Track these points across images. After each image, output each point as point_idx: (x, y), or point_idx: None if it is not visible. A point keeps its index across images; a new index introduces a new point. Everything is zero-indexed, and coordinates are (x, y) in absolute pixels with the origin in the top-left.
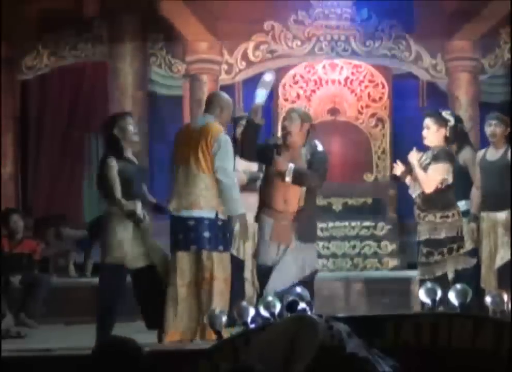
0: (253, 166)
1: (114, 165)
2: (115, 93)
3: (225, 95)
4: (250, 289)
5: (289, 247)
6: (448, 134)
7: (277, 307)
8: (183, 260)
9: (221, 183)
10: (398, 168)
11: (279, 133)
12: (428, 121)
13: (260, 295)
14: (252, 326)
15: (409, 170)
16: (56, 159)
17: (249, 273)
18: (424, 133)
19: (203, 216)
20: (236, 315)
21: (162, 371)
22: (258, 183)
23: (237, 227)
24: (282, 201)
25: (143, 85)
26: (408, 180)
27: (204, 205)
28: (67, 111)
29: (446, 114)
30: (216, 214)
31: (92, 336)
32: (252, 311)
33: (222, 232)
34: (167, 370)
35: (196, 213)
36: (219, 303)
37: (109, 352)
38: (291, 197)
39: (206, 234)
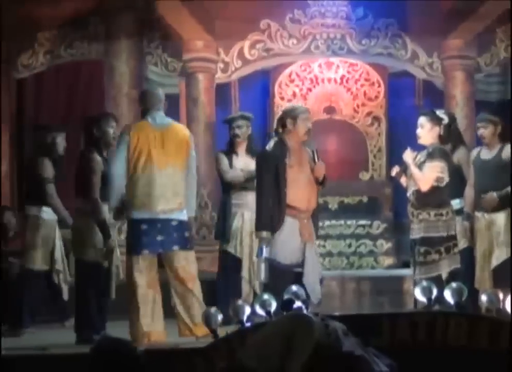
0: (250, 165)
1: (98, 160)
2: (111, 91)
3: (160, 90)
4: (246, 287)
5: (311, 246)
6: (442, 133)
7: (273, 305)
8: (153, 261)
9: (194, 181)
10: (395, 170)
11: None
12: (422, 120)
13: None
14: (248, 324)
15: (404, 169)
16: None
17: (246, 271)
18: (419, 131)
19: (184, 218)
20: (232, 313)
21: (157, 370)
22: None
23: (235, 225)
24: (306, 201)
25: (139, 83)
26: (403, 180)
27: (184, 206)
28: (63, 109)
29: (440, 113)
30: None
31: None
32: (248, 310)
33: (192, 230)
34: (162, 370)
35: (181, 215)
36: (196, 300)
37: (106, 352)
38: (313, 195)
39: (187, 233)
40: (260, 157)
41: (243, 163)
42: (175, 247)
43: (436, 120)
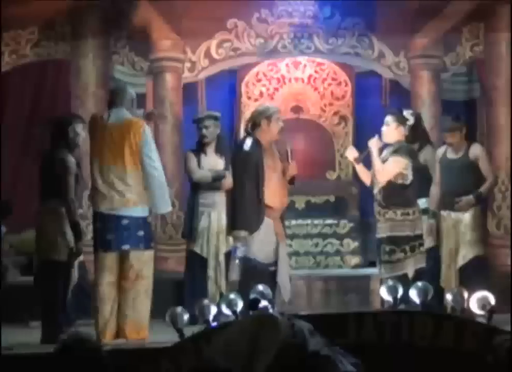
0: (219, 165)
1: (72, 160)
2: (77, 91)
3: (129, 88)
4: (212, 287)
5: (284, 245)
6: (406, 133)
7: (240, 305)
8: (112, 259)
9: (152, 178)
10: (351, 152)
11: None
12: (389, 118)
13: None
14: (214, 324)
15: (362, 157)
16: (17, 158)
17: (212, 271)
18: (384, 129)
19: (138, 215)
20: (198, 313)
21: (122, 369)
22: (229, 180)
23: (201, 224)
24: (279, 200)
25: (105, 83)
26: (359, 167)
27: (138, 203)
28: (29, 109)
29: (407, 113)
30: (150, 211)
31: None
32: (214, 309)
33: (151, 229)
34: (127, 369)
35: (131, 211)
36: (147, 301)
37: (70, 351)
38: (285, 194)
39: (141, 233)
40: (239, 156)
41: (212, 163)
42: (125, 246)
43: (402, 120)
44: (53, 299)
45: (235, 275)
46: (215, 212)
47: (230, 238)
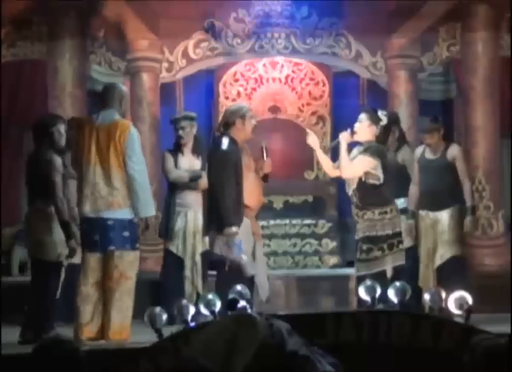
0: (196, 165)
1: (58, 160)
2: (54, 91)
3: (121, 87)
4: (189, 287)
5: (260, 244)
6: (378, 133)
7: (218, 305)
8: (96, 260)
9: (133, 180)
10: (311, 138)
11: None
12: (363, 115)
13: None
14: (192, 324)
15: (331, 147)
16: None
17: (188, 271)
18: (357, 125)
19: (123, 217)
20: (177, 313)
21: (101, 370)
22: (205, 180)
23: (178, 224)
24: (256, 199)
25: (82, 83)
26: (319, 152)
27: (123, 205)
28: (5, 110)
29: (381, 113)
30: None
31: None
32: (192, 310)
33: (136, 230)
34: (106, 370)
35: (116, 213)
36: (130, 301)
37: (47, 352)
38: (261, 193)
39: (126, 234)
40: (217, 156)
41: (189, 163)
42: (111, 247)
43: (375, 119)
44: (39, 299)
45: (265, 293)
46: (191, 212)
47: (207, 239)
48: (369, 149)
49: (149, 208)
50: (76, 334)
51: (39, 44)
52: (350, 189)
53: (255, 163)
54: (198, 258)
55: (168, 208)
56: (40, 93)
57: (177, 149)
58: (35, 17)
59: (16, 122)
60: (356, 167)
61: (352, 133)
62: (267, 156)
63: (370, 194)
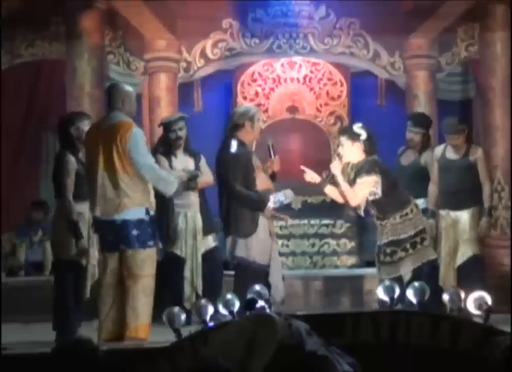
0: (190, 165)
1: (71, 161)
2: (73, 91)
3: (123, 86)
4: (188, 288)
5: (275, 244)
6: (364, 148)
7: (236, 305)
8: (112, 260)
9: (146, 179)
10: (309, 175)
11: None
12: (341, 139)
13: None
14: (211, 324)
15: (329, 179)
16: (13, 158)
17: (188, 271)
18: (340, 150)
19: (130, 217)
20: (195, 313)
21: (119, 370)
22: (205, 179)
23: (179, 225)
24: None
25: (101, 83)
26: (328, 190)
27: (130, 206)
28: (24, 110)
29: (357, 128)
30: (147, 211)
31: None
32: (211, 310)
33: (151, 227)
34: (125, 370)
35: (123, 214)
36: (146, 300)
37: (66, 353)
38: (272, 193)
39: (135, 232)
40: (227, 158)
41: (183, 163)
42: (122, 246)
43: (355, 136)
44: (61, 299)
45: (279, 294)
46: (191, 212)
47: (209, 238)
48: (362, 169)
49: (170, 188)
50: (98, 333)
51: (57, 44)
52: (362, 211)
53: (264, 162)
54: (199, 259)
55: (167, 210)
56: (59, 93)
57: (168, 150)
58: (53, 17)
59: (34, 122)
60: (359, 193)
61: (340, 159)
62: (274, 155)
63: (385, 204)
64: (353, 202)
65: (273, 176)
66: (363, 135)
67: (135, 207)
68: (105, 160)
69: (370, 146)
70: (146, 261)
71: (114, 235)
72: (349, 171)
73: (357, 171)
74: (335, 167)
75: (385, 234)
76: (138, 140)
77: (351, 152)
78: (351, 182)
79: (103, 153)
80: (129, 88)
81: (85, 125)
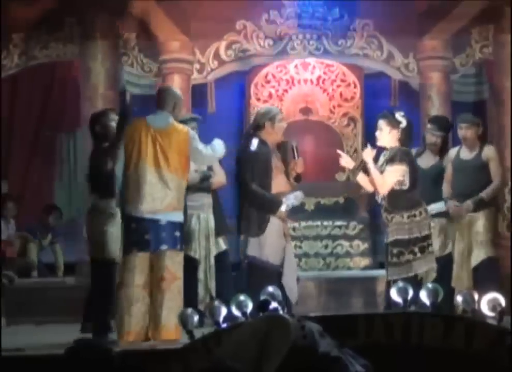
0: (203, 165)
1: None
2: (87, 92)
3: (176, 90)
4: (202, 290)
5: (289, 246)
6: (400, 136)
7: (250, 306)
8: (144, 260)
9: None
10: (344, 160)
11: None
12: (381, 123)
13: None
14: (224, 325)
15: (361, 167)
16: (27, 159)
17: (202, 273)
18: (377, 134)
19: (175, 219)
20: (208, 315)
21: (133, 371)
22: (218, 178)
23: (192, 227)
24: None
25: (115, 84)
26: (360, 178)
27: (177, 206)
28: (38, 111)
29: (399, 116)
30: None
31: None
32: (224, 311)
33: (183, 232)
34: (138, 371)
35: (169, 215)
36: (178, 302)
37: (79, 354)
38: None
39: (177, 234)
40: (247, 156)
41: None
42: (163, 247)
43: (395, 123)
44: (98, 299)
45: (293, 295)
46: (204, 214)
47: (220, 241)
48: (395, 157)
49: (220, 152)
50: (119, 335)
51: (71, 46)
52: (380, 197)
53: (286, 164)
54: (212, 261)
55: None
56: (72, 94)
57: None
58: (67, 18)
59: (49, 123)
60: (389, 181)
61: (374, 145)
62: (298, 156)
63: (398, 198)
64: (382, 190)
65: (298, 178)
66: (403, 123)
67: (179, 210)
68: (158, 159)
69: (406, 137)
70: (181, 263)
71: (156, 235)
72: (380, 161)
73: (389, 159)
74: (367, 154)
75: (390, 232)
76: (196, 143)
77: (388, 137)
78: (381, 170)
79: (155, 153)
80: (179, 93)
81: (110, 120)
